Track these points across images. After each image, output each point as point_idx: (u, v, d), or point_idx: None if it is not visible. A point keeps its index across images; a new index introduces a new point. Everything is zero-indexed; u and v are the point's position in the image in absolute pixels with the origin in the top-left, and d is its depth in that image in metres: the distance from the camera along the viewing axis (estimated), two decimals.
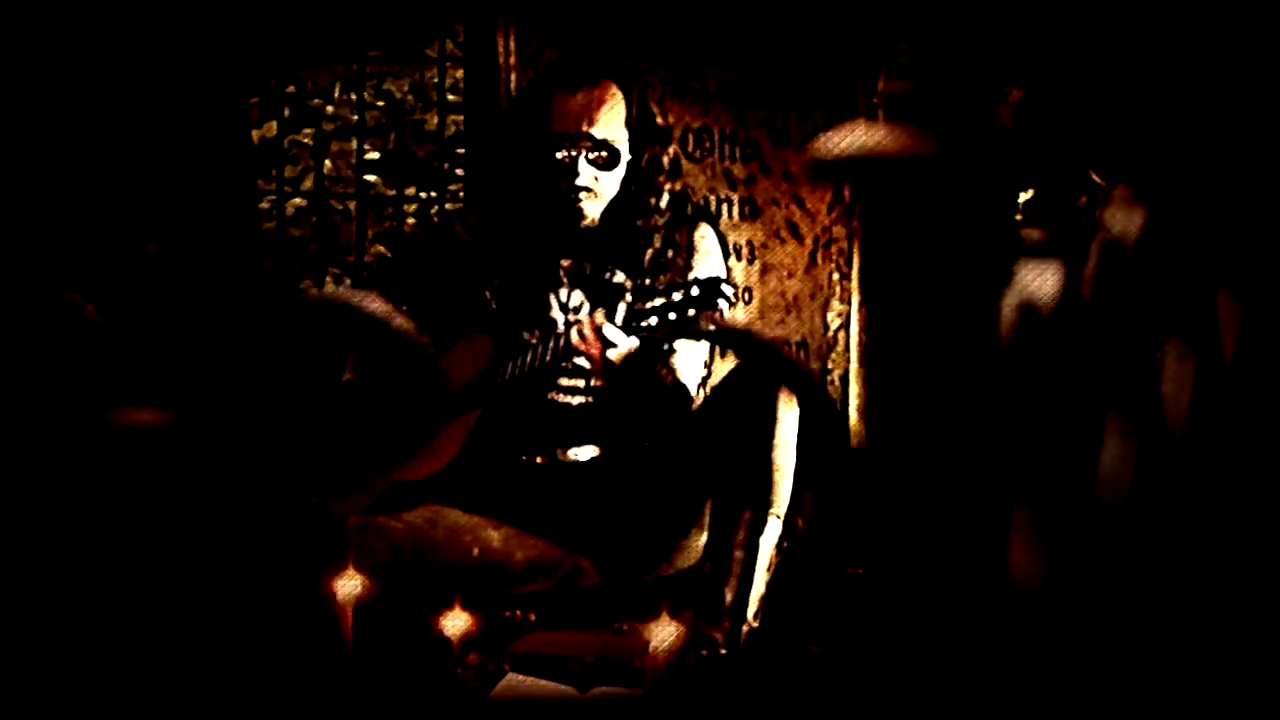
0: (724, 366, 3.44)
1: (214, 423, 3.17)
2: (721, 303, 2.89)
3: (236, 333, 3.46)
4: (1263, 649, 2.47)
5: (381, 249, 4.59)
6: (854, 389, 3.58)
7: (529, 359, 3.09)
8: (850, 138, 2.90)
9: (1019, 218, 3.05)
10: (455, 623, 2.68)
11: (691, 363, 3.17)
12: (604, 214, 3.20)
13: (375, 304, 3.20)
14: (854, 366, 3.58)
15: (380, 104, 4.87)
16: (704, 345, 3.19)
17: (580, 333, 2.99)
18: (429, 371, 3.19)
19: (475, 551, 3.05)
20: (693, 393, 3.18)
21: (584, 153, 3.15)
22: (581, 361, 3.04)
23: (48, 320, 3.09)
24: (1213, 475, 2.48)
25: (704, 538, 3.05)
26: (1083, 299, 2.57)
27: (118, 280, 3.30)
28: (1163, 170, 2.53)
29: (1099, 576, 2.55)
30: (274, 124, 4.57)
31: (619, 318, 2.98)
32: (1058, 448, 2.60)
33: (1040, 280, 2.61)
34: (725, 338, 3.00)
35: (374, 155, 4.81)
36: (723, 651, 2.92)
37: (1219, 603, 2.49)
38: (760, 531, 3.00)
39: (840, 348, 3.60)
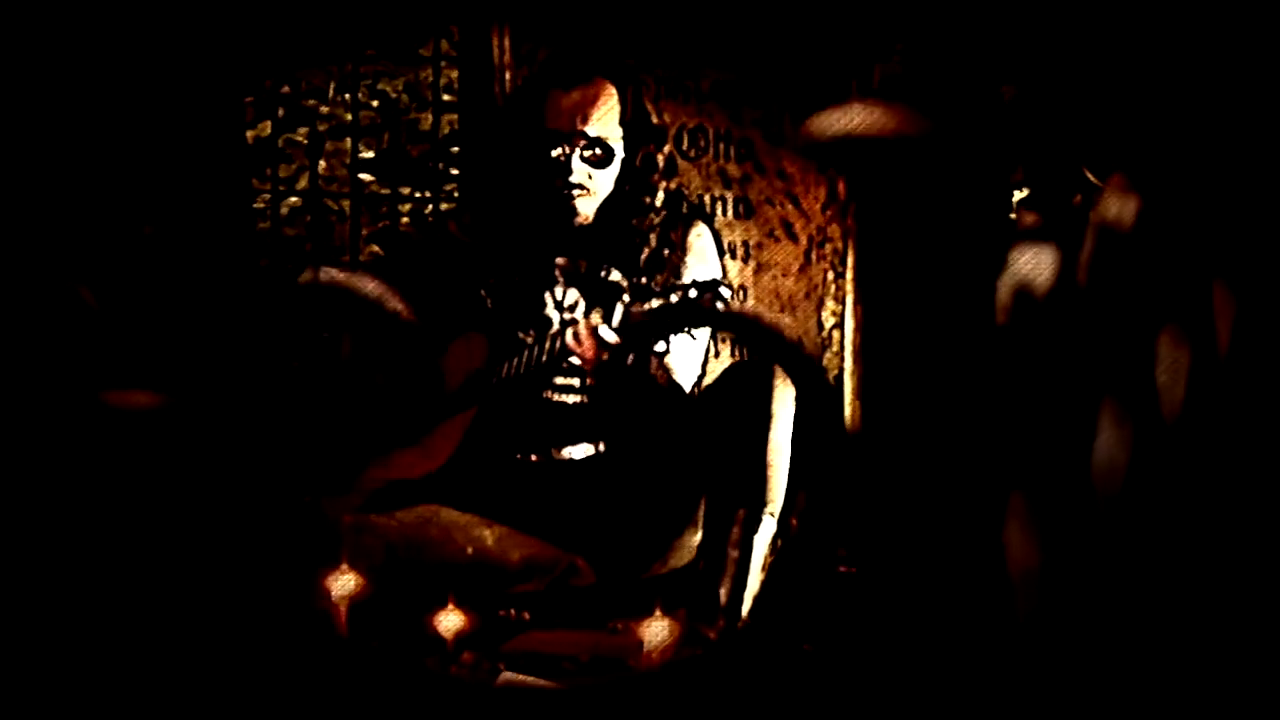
0: (719, 366, 3.44)
1: (208, 406, 3.17)
2: (717, 304, 2.89)
3: (231, 318, 3.46)
4: (1257, 637, 2.47)
5: (376, 248, 4.58)
6: (849, 387, 3.58)
7: (524, 358, 3.09)
8: (845, 118, 2.91)
9: (1013, 216, 3.05)
10: (449, 621, 2.68)
11: (687, 362, 3.17)
12: (599, 212, 3.20)
13: (369, 285, 3.20)
14: (849, 365, 3.58)
15: (375, 103, 4.87)
16: (700, 345, 3.19)
17: (575, 335, 2.99)
18: (423, 352, 3.19)
19: (470, 550, 3.05)
20: (688, 392, 3.17)
21: (578, 151, 3.15)
22: (576, 360, 3.04)
23: (45, 302, 3.10)
24: (1208, 463, 2.48)
25: (699, 536, 3.05)
26: (1078, 284, 2.57)
27: (113, 266, 3.30)
28: (1157, 163, 2.53)
29: (1094, 563, 2.56)
30: (268, 123, 4.56)
31: (615, 318, 2.97)
32: (1053, 434, 2.61)
33: (1036, 265, 2.61)
34: (725, 321, 3.00)
35: (368, 155, 4.81)
36: (716, 650, 2.92)
37: (1213, 591, 2.49)
38: (755, 530, 3.00)
39: (835, 347, 3.60)
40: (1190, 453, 2.49)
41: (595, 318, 2.98)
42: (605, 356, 2.96)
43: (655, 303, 2.89)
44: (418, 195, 4.67)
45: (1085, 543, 2.57)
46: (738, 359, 3.54)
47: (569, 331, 3.00)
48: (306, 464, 3.17)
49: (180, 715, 2.67)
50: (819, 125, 3.01)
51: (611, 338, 2.95)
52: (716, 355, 3.51)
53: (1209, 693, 2.48)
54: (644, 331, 2.91)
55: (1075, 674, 2.56)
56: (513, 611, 3.01)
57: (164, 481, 3.02)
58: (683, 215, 3.24)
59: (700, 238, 3.22)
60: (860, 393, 3.56)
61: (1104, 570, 2.55)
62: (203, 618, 2.87)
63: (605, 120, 3.16)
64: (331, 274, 3.28)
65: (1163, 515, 2.51)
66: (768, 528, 3.01)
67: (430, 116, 4.63)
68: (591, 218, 3.19)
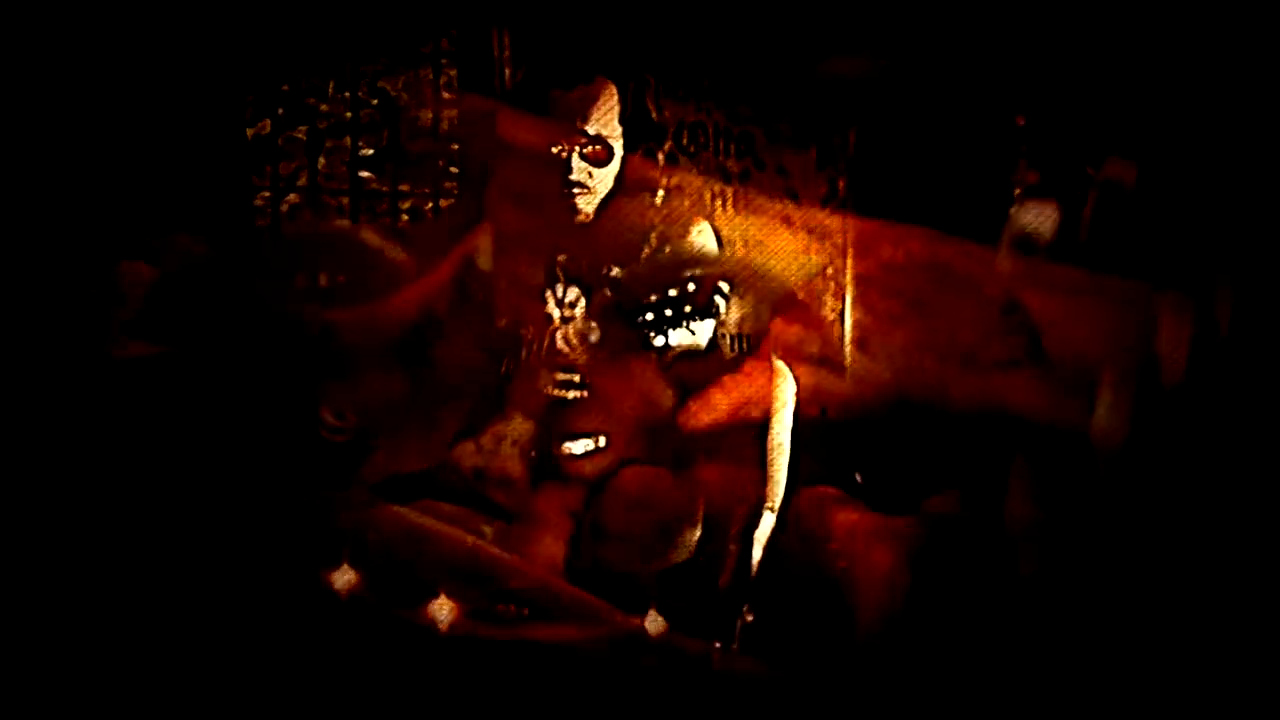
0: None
1: (207, 360, 3.18)
2: (718, 299, 2.90)
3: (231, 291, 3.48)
4: (1251, 601, 2.49)
5: None
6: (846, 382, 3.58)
7: (524, 354, 3.09)
8: (849, 61, 2.97)
9: (1013, 211, 3.06)
10: (443, 613, 2.69)
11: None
12: (599, 209, 3.21)
13: (371, 236, 3.22)
14: (847, 360, 3.59)
15: (375, 101, 4.87)
16: (701, 341, 3.19)
17: (565, 338, 3.00)
18: (421, 307, 3.19)
19: (469, 544, 3.05)
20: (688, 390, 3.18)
21: (578, 149, 3.16)
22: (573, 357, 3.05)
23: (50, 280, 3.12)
24: (1207, 428, 2.50)
25: (698, 532, 3.06)
26: (1080, 241, 2.59)
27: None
28: (1156, 154, 2.55)
29: (1094, 526, 2.57)
30: (268, 121, 4.56)
31: (614, 315, 2.98)
32: (1056, 400, 2.62)
33: (1038, 221, 2.63)
34: (728, 282, 3.00)
35: (368, 152, 4.81)
36: (715, 644, 2.93)
37: (1209, 554, 2.51)
38: (754, 526, 3.00)
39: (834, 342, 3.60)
40: (1189, 418, 2.51)
41: (588, 324, 2.99)
42: (599, 356, 2.98)
43: (654, 299, 2.90)
44: (418, 192, 4.66)
45: (1086, 505, 2.59)
46: (736, 355, 3.54)
47: (559, 335, 3.01)
48: (309, 458, 3.18)
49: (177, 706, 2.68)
50: (825, 68, 3.09)
51: (604, 337, 2.96)
52: (717, 348, 3.51)
53: (1203, 652, 2.50)
54: (644, 328, 2.92)
55: (1075, 636, 2.58)
56: (512, 607, 3.01)
57: (165, 419, 3.04)
58: (684, 212, 3.25)
59: (701, 234, 3.22)
60: (858, 387, 3.57)
61: (1103, 531, 2.57)
62: (201, 611, 2.88)
63: (605, 119, 3.17)
64: (334, 224, 3.30)
65: (1161, 479, 2.53)
66: (767, 523, 3.02)
67: (430, 114, 4.63)
68: (591, 214, 3.20)
